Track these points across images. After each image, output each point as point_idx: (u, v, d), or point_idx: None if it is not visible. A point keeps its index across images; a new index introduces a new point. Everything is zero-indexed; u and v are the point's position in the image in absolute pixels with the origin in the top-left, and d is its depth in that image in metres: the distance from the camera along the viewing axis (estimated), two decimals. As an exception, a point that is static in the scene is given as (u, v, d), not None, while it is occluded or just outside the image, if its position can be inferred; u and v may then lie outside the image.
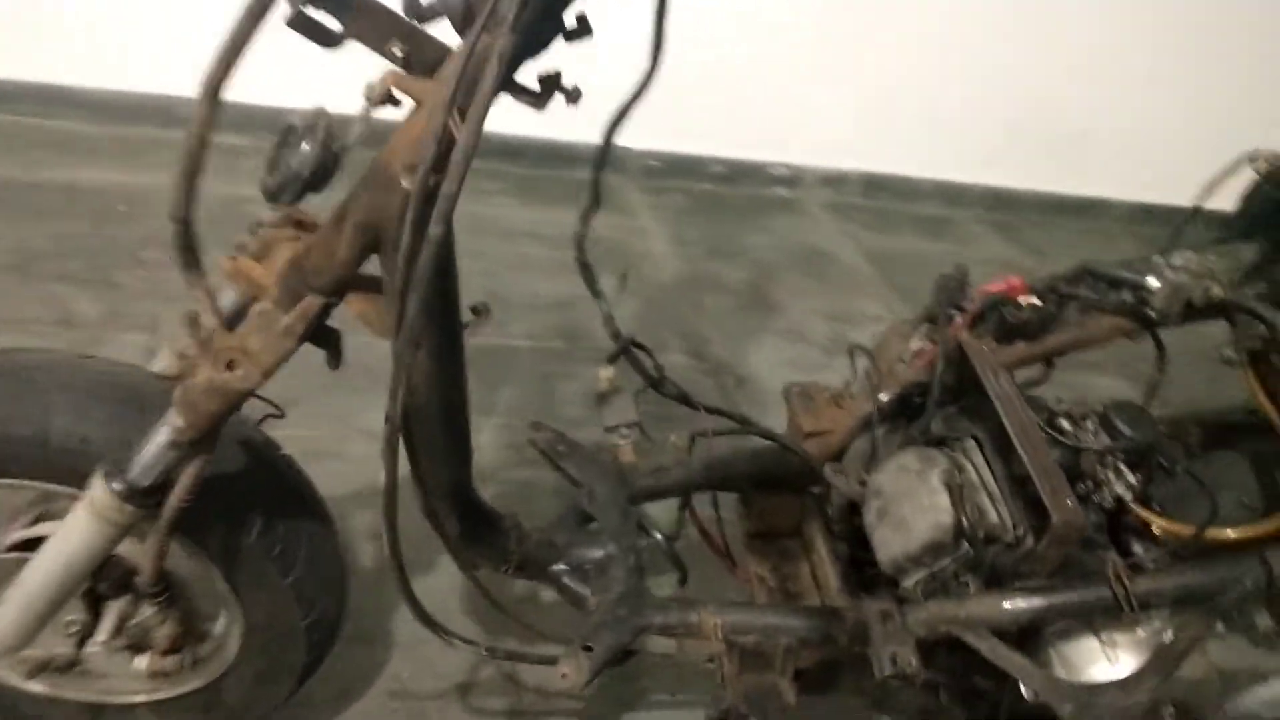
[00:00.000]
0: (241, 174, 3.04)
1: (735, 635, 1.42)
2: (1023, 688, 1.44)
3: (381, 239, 1.01)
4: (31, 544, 1.18)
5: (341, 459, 2.03)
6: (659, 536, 1.50)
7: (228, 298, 1.16)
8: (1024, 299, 1.61)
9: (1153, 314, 1.60)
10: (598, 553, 1.47)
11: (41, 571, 1.10)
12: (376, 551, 1.88)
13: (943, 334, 1.57)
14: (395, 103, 0.93)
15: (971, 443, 1.50)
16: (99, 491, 1.06)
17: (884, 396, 1.63)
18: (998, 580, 1.42)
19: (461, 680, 1.72)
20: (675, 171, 3.38)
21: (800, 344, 2.77)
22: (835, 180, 3.64)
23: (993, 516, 1.40)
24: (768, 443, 1.69)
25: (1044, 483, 1.37)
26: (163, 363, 1.28)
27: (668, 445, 1.65)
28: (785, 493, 1.73)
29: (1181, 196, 4.28)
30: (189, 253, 1.06)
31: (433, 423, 1.20)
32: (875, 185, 3.69)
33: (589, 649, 1.34)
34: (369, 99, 0.91)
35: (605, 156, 1.40)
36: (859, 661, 1.47)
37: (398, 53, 0.94)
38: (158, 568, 1.12)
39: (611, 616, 1.39)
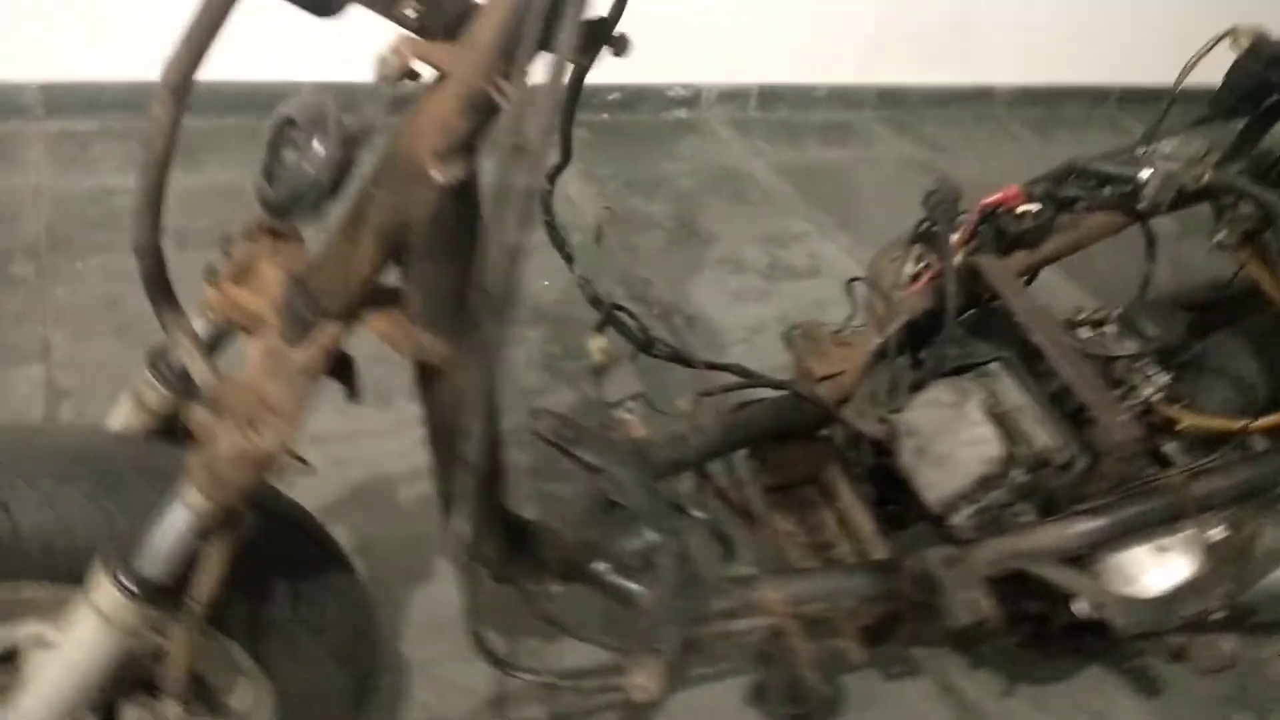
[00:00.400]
0: (98, 161, 2.73)
1: (800, 606, 1.33)
2: (1074, 605, 1.41)
3: (407, 245, 0.85)
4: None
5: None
6: (698, 514, 1.38)
7: (201, 331, 0.98)
8: (1022, 207, 1.55)
9: (1144, 205, 1.55)
10: (637, 543, 1.35)
11: (40, 696, 0.92)
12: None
13: (947, 255, 1.49)
14: (414, 76, 0.76)
15: (997, 366, 1.44)
16: (104, 593, 0.88)
17: (892, 328, 1.55)
18: (1051, 505, 1.37)
19: (491, 694, 1.59)
20: (572, 105, 3.19)
21: (740, 273, 2.67)
22: (733, 96, 3.52)
23: (1041, 441, 1.35)
24: (776, 393, 1.59)
25: (1094, 399, 1.31)
26: (124, 418, 1.09)
27: (677, 413, 1.54)
28: (797, 441, 1.64)
29: (1061, 76, 4.33)
30: (161, 287, 0.88)
31: (470, 443, 1.05)
32: (772, 96, 3.59)
33: (657, 651, 1.24)
34: (385, 75, 0.74)
35: (575, 105, 1.24)
36: (917, 608, 1.42)
37: (410, 14, 0.76)
38: (186, 671, 0.94)
39: (671, 611, 1.28)
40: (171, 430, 1.10)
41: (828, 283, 2.64)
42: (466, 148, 0.79)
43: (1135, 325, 1.46)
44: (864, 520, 1.55)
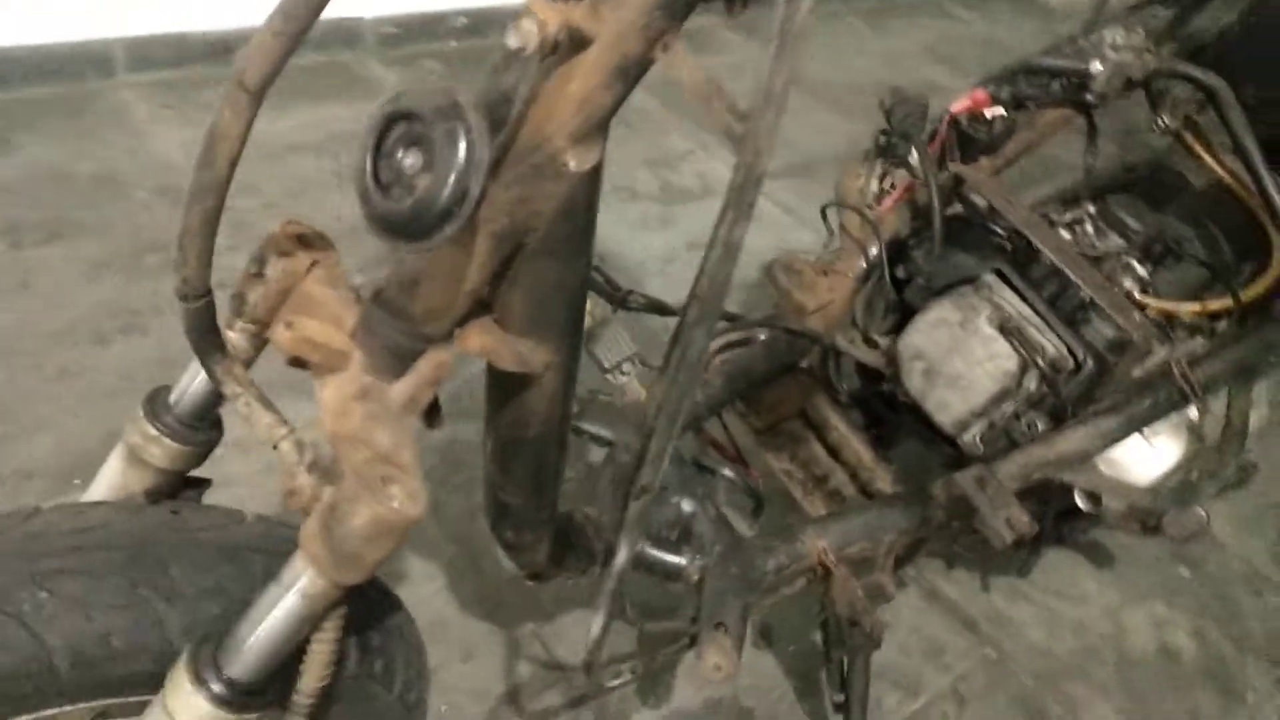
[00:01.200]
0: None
1: (845, 549, 1.30)
2: (1079, 499, 1.45)
3: (524, 247, 0.71)
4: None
5: (226, 485, 1.63)
6: (726, 472, 1.31)
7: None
8: (989, 111, 1.52)
9: (1093, 97, 1.56)
10: (670, 513, 1.27)
11: None
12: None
13: (929, 167, 1.45)
14: (555, 49, 0.62)
15: (991, 277, 1.43)
16: (186, 701, 0.72)
17: (874, 250, 1.50)
18: (1056, 412, 1.39)
19: (503, 689, 1.48)
20: (416, 35, 2.93)
21: (636, 200, 2.57)
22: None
23: (1051, 349, 1.35)
24: (762, 334, 1.53)
25: (1107, 300, 1.32)
26: (114, 482, 0.90)
27: (673, 367, 1.45)
28: (777, 379, 1.59)
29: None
30: (210, 335, 0.71)
31: (543, 452, 0.93)
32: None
33: (722, 626, 1.17)
34: (526, 43, 0.59)
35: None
36: (943, 531, 1.41)
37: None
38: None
39: (726, 580, 1.21)
40: (177, 487, 0.92)
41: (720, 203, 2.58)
42: (603, 127, 0.66)
43: (1114, 220, 1.48)
44: (861, 448, 1.52)
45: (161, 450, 0.87)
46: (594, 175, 0.69)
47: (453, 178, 0.59)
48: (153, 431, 0.87)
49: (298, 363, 0.75)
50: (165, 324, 1.87)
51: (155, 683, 0.78)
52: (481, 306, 0.78)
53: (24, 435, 1.65)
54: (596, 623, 0.89)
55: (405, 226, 0.61)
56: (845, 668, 1.40)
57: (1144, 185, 1.78)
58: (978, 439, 1.41)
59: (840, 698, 1.40)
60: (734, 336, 1.54)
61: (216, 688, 0.71)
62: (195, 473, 0.95)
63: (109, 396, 1.74)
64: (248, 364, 0.84)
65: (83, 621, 0.76)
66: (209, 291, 0.69)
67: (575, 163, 0.66)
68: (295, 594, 0.69)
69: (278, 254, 0.78)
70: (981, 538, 1.37)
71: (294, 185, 2.30)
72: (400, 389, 0.72)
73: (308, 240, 0.81)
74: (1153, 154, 1.83)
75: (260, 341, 0.85)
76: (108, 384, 1.77)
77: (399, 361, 0.73)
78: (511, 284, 0.75)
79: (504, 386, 0.86)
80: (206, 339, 0.70)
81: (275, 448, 0.73)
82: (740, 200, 0.60)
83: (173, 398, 0.88)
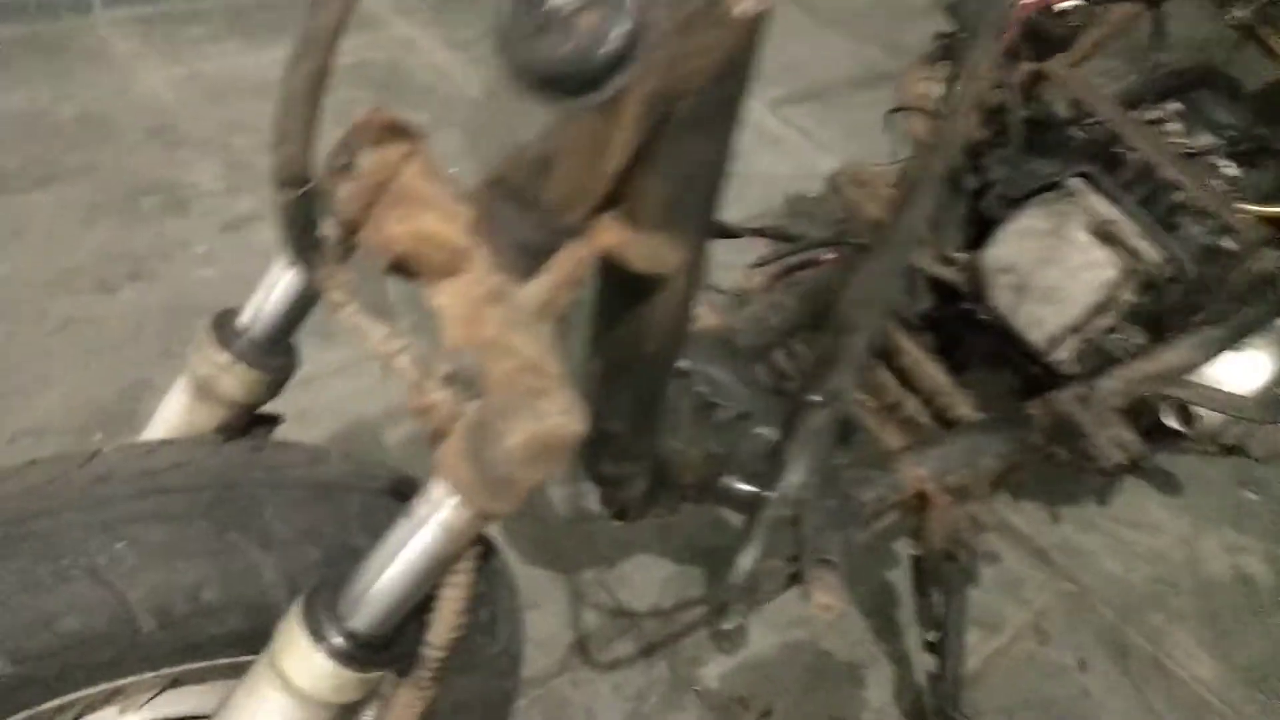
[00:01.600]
0: None
1: (944, 477, 1.21)
2: (1167, 417, 1.37)
3: (669, 119, 0.61)
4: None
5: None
6: (813, 397, 1.21)
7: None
8: (1057, 5, 1.42)
9: (1163, -12, 1.45)
10: (757, 444, 1.17)
11: None
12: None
13: (1006, 68, 1.34)
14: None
15: (1079, 182, 1.33)
16: (302, 659, 0.62)
17: (948, 157, 1.40)
18: (1157, 324, 1.30)
19: (570, 638, 1.39)
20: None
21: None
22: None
23: (1149, 255, 1.26)
24: (829, 252, 1.43)
25: (1212, 202, 1.23)
26: (179, 418, 0.79)
27: (744, 291, 1.35)
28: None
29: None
30: (308, 234, 0.60)
31: (657, 371, 0.83)
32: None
33: (828, 562, 1.08)
34: None
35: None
36: (1037, 454, 1.33)
37: None
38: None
39: (823, 514, 1.12)
40: (247, 425, 0.81)
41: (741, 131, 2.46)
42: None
43: (1203, 116, 1.39)
44: (936, 373, 1.43)
45: (234, 380, 0.76)
46: (758, 27, 0.59)
47: (629, 8, 0.48)
48: (224, 359, 0.76)
49: (400, 269, 0.64)
50: (176, 269, 1.74)
51: (250, 642, 0.68)
52: (611, 200, 0.68)
53: (30, 392, 1.53)
54: (748, 555, 0.79)
55: (565, 76, 0.50)
56: (938, 605, 1.32)
57: (1193, 89, 1.69)
58: (1073, 356, 1.32)
59: (933, 636, 1.32)
60: (796, 258, 1.44)
61: (338, 641, 0.61)
62: (265, 409, 0.84)
63: (117, 347, 1.62)
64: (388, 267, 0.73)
65: (168, 573, 0.65)
66: (312, 177, 0.57)
67: (742, 6, 0.55)
68: (434, 529, 0.59)
69: (369, 144, 0.67)
70: (1080, 461, 1.29)
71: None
72: (535, 290, 0.62)
73: (399, 128, 0.69)
74: (1197, 58, 1.74)
75: (346, 251, 0.74)
76: (116, 334, 1.65)
77: (530, 259, 0.62)
78: (648, 166, 0.64)
79: (622, 296, 0.76)
80: (306, 238, 0.59)
81: (391, 365, 0.62)
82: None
83: (243, 321, 0.77)
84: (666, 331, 0.78)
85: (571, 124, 0.59)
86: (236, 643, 0.69)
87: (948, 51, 1.45)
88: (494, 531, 1.46)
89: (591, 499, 1.16)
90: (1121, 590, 1.64)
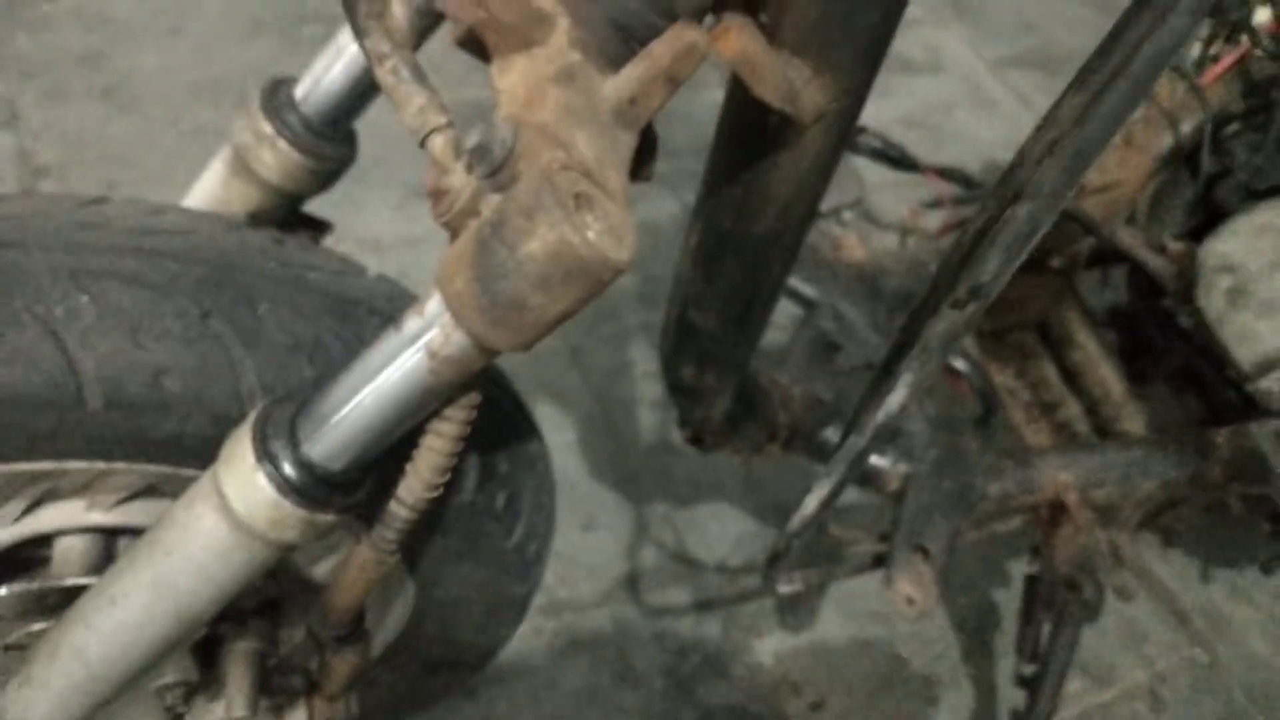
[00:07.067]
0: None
1: (1091, 490, 1.01)
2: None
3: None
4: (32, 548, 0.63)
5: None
6: (958, 363, 1.03)
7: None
8: (1372, -28, 1.16)
9: None
10: (877, 401, 1.00)
11: (105, 633, 0.55)
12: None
13: (1284, 29, 1.10)
14: None
15: (1346, 183, 1.09)
16: (244, 481, 0.50)
17: (1190, 125, 1.17)
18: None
19: (621, 574, 1.27)
20: None
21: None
22: None
23: None
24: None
25: None
26: (214, 193, 0.68)
27: (907, 230, 1.17)
28: (1020, 272, 1.29)
29: None
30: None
31: (768, 256, 0.67)
32: None
33: (924, 550, 0.91)
34: None
35: None
36: (1209, 493, 1.11)
37: None
38: (359, 606, 0.58)
39: (935, 496, 0.95)
40: (290, 220, 0.70)
41: (950, 82, 2.23)
42: None
43: None
44: (1111, 377, 1.22)
45: (275, 157, 0.65)
46: None
47: None
48: (267, 129, 0.65)
49: (471, 41, 0.51)
50: (316, 98, 1.67)
51: (211, 456, 0.57)
52: (746, 5, 0.52)
53: (143, 185, 1.49)
54: (812, 500, 0.64)
55: None
56: (1044, 637, 1.12)
57: None
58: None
59: (1030, 671, 1.13)
60: (974, 209, 1.24)
61: (288, 468, 0.49)
62: (315, 215, 0.73)
63: (244, 166, 1.56)
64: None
65: (129, 346, 0.55)
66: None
67: None
68: (418, 352, 0.46)
69: None
70: (1255, 515, 1.07)
71: None
72: (622, 82, 0.47)
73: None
74: None
75: (427, 23, 0.61)
76: (245, 153, 1.59)
77: (624, 40, 0.47)
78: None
79: (743, 144, 0.60)
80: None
81: (424, 143, 0.49)
82: None
83: (299, 92, 0.66)
84: (787, 207, 0.62)
85: None
86: (198, 451, 0.58)
87: (1215, 10, 1.22)
88: (554, 438, 1.35)
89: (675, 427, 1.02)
90: (1262, 675, 1.39)
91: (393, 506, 0.52)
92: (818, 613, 1.27)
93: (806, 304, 1.07)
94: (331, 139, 0.66)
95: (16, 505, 0.66)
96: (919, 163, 1.20)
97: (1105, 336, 1.26)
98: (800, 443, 0.98)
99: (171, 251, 0.58)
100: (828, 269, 1.08)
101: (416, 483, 0.51)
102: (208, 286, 0.57)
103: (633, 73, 0.47)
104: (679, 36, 0.46)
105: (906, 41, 2.32)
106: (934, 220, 1.20)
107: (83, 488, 0.66)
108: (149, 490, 0.68)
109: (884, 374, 0.64)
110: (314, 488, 0.49)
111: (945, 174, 1.23)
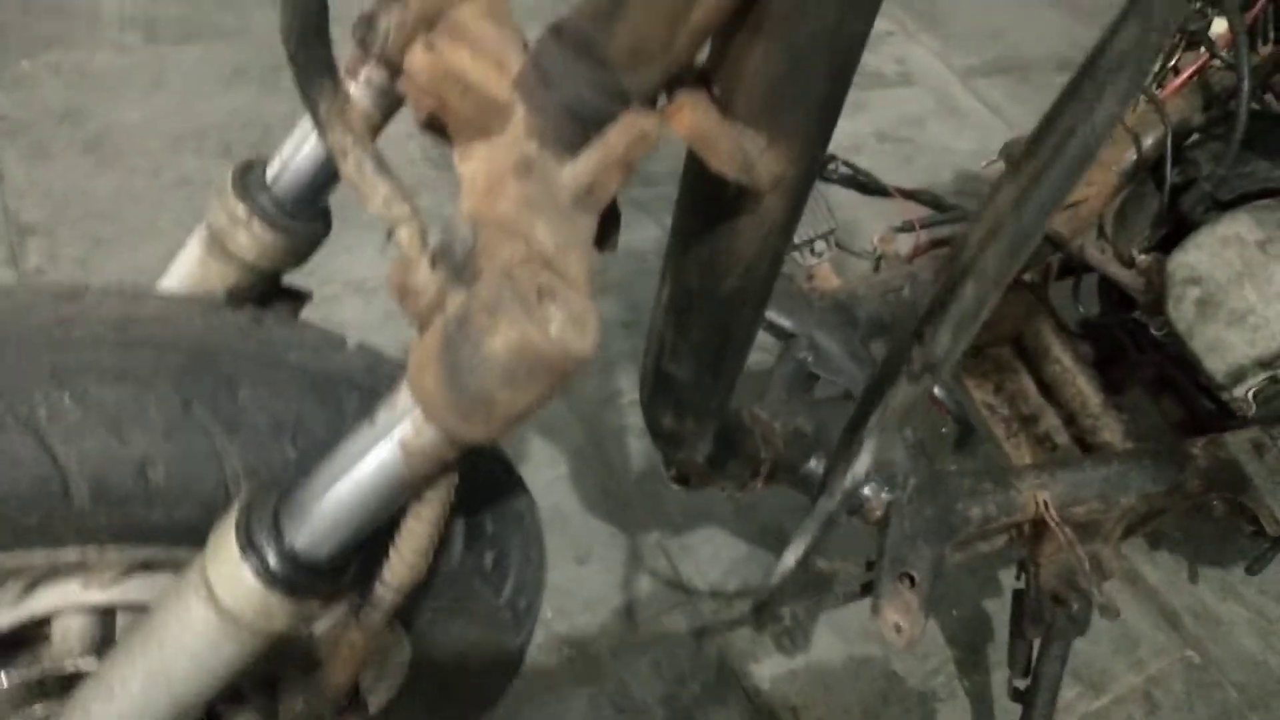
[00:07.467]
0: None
1: (1071, 507, 1.03)
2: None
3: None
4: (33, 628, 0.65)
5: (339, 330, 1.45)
6: (937, 389, 1.05)
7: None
8: (1323, -18, 1.18)
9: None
10: (858, 430, 1.02)
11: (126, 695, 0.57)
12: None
13: (1241, 44, 1.12)
14: None
15: (1307, 191, 1.11)
16: (230, 572, 0.52)
17: (1151, 139, 1.20)
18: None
19: (619, 602, 1.28)
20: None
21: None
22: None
23: (1381, 292, 1.03)
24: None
25: None
26: (189, 274, 0.70)
27: (875, 254, 1.18)
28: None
29: None
30: (318, 43, 0.49)
31: (737, 311, 0.69)
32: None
33: (909, 577, 0.93)
34: None
35: None
36: (1188, 501, 1.13)
37: None
38: (352, 679, 0.59)
39: (918, 522, 0.97)
40: (268, 294, 0.72)
41: (921, 93, 2.25)
42: None
43: None
44: (1088, 389, 1.24)
45: (250, 238, 0.67)
46: None
47: None
48: (241, 211, 0.66)
49: (434, 125, 0.52)
50: (296, 144, 1.69)
51: (201, 536, 0.58)
52: (699, 79, 0.54)
53: (129, 240, 1.50)
54: (789, 555, 0.65)
55: None
56: (1035, 651, 1.14)
57: None
58: (1251, 395, 1.11)
59: (1022, 684, 1.15)
60: (946, 231, 1.26)
61: (272, 560, 0.51)
62: (294, 285, 0.75)
63: (227, 214, 1.58)
64: (373, 132, 0.62)
65: (113, 442, 0.56)
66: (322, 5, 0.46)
67: None
68: (392, 444, 0.47)
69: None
70: (1238, 520, 1.09)
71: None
72: (578, 169, 0.49)
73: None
74: None
75: (389, 103, 0.63)
76: (228, 201, 1.60)
77: (579, 127, 0.49)
78: (753, 31, 0.50)
79: (705, 210, 0.62)
80: (313, 49, 0.48)
81: (390, 234, 0.50)
82: None
83: (271, 171, 0.67)
84: (750, 267, 0.63)
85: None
86: (187, 534, 0.59)
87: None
88: (546, 472, 1.37)
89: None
90: (1255, 672, 1.41)
91: (378, 589, 0.54)
92: (812, 636, 1.29)
93: (783, 336, 1.08)
94: (305, 216, 0.68)
95: (14, 588, 0.67)
96: (888, 187, 1.22)
97: (1080, 348, 1.28)
98: (785, 476, 0.99)
99: (151, 341, 0.59)
100: (803, 299, 1.09)
101: (400, 565, 0.52)
102: (188, 375, 0.58)
103: (589, 161, 0.48)
104: (632, 124, 0.48)
105: (877, 55, 2.34)
106: (905, 243, 1.22)
107: (78, 567, 0.68)
108: (145, 565, 0.69)
109: (849, 438, 0.66)
110: (299, 577, 0.51)
111: (915, 197, 1.25)
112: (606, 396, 1.49)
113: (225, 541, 0.52)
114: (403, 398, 0.47)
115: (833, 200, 1.20)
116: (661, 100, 0.53)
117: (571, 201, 0.49)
